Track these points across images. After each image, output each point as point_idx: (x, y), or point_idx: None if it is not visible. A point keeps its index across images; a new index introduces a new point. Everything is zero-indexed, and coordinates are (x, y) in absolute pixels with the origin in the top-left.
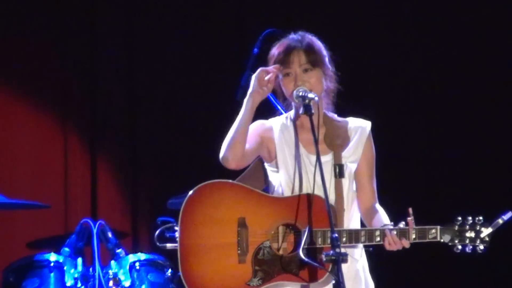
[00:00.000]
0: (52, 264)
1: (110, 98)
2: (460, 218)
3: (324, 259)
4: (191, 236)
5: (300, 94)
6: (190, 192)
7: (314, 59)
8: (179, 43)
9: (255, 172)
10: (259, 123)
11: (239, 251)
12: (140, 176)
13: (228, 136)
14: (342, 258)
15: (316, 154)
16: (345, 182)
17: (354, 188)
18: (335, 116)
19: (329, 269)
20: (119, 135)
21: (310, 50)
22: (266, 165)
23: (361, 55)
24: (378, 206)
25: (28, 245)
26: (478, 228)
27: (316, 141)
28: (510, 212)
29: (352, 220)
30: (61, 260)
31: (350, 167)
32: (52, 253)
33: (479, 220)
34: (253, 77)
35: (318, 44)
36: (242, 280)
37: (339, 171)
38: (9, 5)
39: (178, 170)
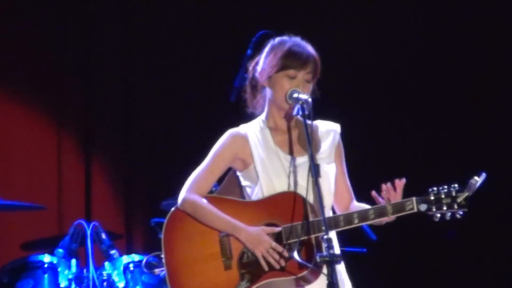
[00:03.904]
0: (46, 266)
1: (105, 99)
2: (435, 188)
3: (318, 259)
4: (176, 253)
5: (295, 95)
6: (171, 211)
7: (316, 71)
8: (175, 44)
9: (230, 186)
10: (232, 141)
11: (223, 259)
12: (134, 177)
13: (199, 210)
14: (335, 259)
15: (309, 156)
16: (322, 182)
17: (332, 189)
18: (306, 119)
19: (322, 268)
20: (114, 136)
21: (318, 62)
22: (239, 173)
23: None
24: (356, 202)
25: (22, 246)
26: (454, 194)
27: (309, 142)
28: (484, 173)
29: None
30: (55, 262)
31: (327, 168)
32: (46, 254)
33: (454, 186)
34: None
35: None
36: (231, 285)
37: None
38: (5, 4)
39: (172, 171)
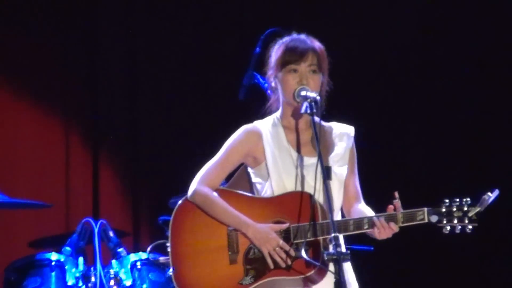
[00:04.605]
0: (53, 263)
1: (112, 97)
2: (447, 200)
3: (325, 258)
4: (182, 243)
5: (303, 93)
6: (180, 201)
7: (322, 63)
8: (181, 43)
9: (239, 181)
10: (246, 137)
11: (229, 252)
12: (141, 175)
13: (209, 203)
14: (343, 257)
15: (317, 156)
16: (333, 184)
17: (342, 191)
18: (320, 120)
19: (328, 267)
20: (121, 134)
21: (321, 54)
22: (250, 170)
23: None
24: (363, 204)
25: (29, 244)
26: (466, 209)
27: (317, 141)
28: (497, 190)
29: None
30: (62, 259)
31: (339, 170)
32: (54, 252)
33: (466, 201)
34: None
35: (325, 51)
36: (235, 280)
37: (327, 173)
38: (11, 4)
39: (179, 169)
